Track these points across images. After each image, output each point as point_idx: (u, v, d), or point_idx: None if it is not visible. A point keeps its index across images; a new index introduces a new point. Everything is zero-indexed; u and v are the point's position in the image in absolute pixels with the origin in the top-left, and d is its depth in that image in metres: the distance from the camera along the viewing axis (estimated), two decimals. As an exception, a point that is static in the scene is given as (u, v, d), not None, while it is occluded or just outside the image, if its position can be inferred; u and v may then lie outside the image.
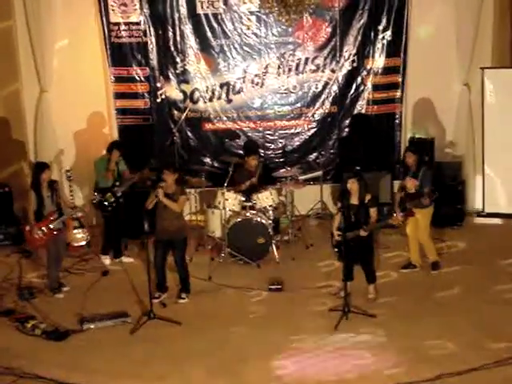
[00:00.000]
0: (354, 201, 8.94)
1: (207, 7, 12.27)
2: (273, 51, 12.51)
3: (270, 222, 10.78)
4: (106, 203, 10.47)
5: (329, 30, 12.39)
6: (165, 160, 11.70)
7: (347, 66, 12.55)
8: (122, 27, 12.27)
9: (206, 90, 12.61)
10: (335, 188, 12.59)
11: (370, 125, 12.68)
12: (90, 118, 12.57)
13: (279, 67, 12.59)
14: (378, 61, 12.51)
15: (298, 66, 12.57)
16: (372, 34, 12.40)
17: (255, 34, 12.44)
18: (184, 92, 12.60)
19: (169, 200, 9.05)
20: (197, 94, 12.63)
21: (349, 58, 12.49)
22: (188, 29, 12.31)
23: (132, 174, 10.81)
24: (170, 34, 12.32)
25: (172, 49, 12.39)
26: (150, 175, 10.77)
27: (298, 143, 12.84)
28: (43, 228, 9.39)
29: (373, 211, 8.90)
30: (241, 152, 12.53)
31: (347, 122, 12.74)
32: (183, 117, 12.42)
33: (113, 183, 10.56)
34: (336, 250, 9.15)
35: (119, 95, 12.52)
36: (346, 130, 12.76)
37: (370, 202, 8.91)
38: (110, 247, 10.95)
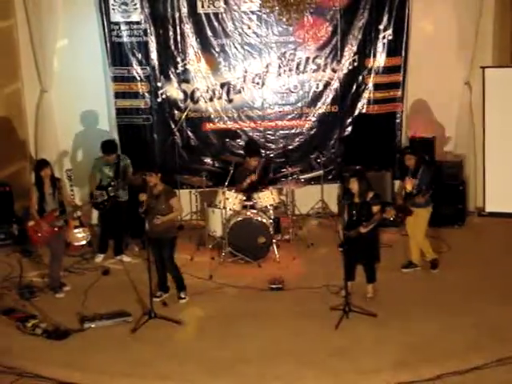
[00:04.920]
0: (357, 199, 8.95)
1: (208, 6, 12.26)
2: (273, 51, 12.50)
3: (271, 221, 10.78)
4: (97, 201, 10.54)
5: (330, 29, 12.38)
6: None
7: (348, 66, 12.53)
8: (123, 26, 12.24)
9: (207, 90, 12.59)
10: (339, 187, 12.53)
11: (371, 124, 12.68)
12: (91, 118, 12.55)
13: (280, 67, 12.57)
14: (379, 60, 12.49)
15: (298, 65, 12.56)
16: (373, 33, 12.38)
17: (256, 34, 12.43)
18: (185, 92, 12.59)
19: (168, 216, 9.09)
20: (197, 94, 12.61)
21: (350, 58, 12.47)
22: (188, 28, 12.29)
23: (134, 175, 10.83)
24: (171, 33, 12.29)
25: (172, 48, 12.37)
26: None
27: (298, 143, 12.83)
28: (46, 224, 9.42)
29: (375, 208, 8.87)
30: (241, 152, 12.51)
31: (348, 121, 12.74)
32: (184, 116, 12.43)
33: (108, 183, 10.61)
34: (341, 249, 9.10)
35: (119, 95, 12.49)
36: (347, 129, 12.76)
37: (372, 200, 8.90)
38: (103, 246, 11.06)
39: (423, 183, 9.69)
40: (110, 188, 10.58)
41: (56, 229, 9.52)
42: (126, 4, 12.18)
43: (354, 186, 8.90)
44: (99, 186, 10.70)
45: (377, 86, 12.61)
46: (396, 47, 12.43)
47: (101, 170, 10.74)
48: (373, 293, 9.22)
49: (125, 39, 12.30)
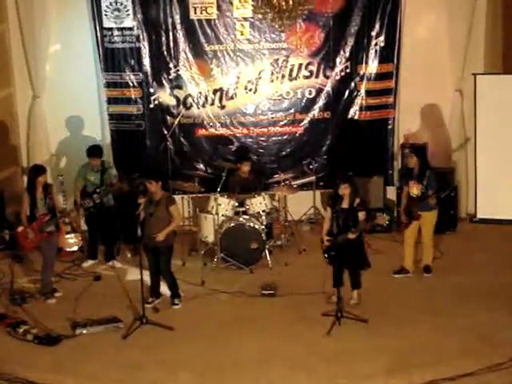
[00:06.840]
0: (345, 205, 8.94)
1: (200, 13, 12.27)
2: (266, 57, 12.51)
3: (263, 227, 10.78)
4: (88, 207, 10.55)
5: (322, 35, 12.40)
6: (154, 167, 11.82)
7: (340, 72, 12.55)
8: (115, 32, 12.24)
9: (199, 96, 12.60)
10: (328, 193, 12.53)
11: (364, 130, 12.71)
12: (82, 124, 12.53)
13: (272, 73, 12.58)
14: (371, 66, 12.52)
15: (291, 71, 12.57)
16: (365, 39, 12.42)
17: (248, 40, 12.43)
18: (177, 97, 12.58)
19: (167, 229, 9.09)
20: (190, 100, 12.60)
21: (342, 64, 12.50)
22: (181, 34, 12.28)
23: (120, 182, 10.84)
24: (163, 39, 12.29)
25: (165, 54, 12.36)
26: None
27: (291, 149, 12.83)
28: (35, 229, 9.41)
29: (361, 214, 8.88)
30: (233, 158, 12.50)
31: (341, 127, 12.74)
32: (176, 122, 12.41)
33: (94, 189, 10.59)
34: (326, 255, 9.06)
35: (112, 101, 12.48)
36: (340, 135, 12.77)
37: (358, 206, 8.90)
38: (92, 252, 11.06)
39: (431, 187, 9.70)
40: (95, 195, 10.54)
41: (46, 234, 9.50)
42: (118, 10, 12.18)
43: (346, 191, 8.89)
44: (84, 193, 10.66)
45: (369, 93, 12.64)
46: (388, 54, 12.47)
47: (85, 177, 10.72)
48: (357, 299, 9.21)
49: (117, 45, 12.29)
